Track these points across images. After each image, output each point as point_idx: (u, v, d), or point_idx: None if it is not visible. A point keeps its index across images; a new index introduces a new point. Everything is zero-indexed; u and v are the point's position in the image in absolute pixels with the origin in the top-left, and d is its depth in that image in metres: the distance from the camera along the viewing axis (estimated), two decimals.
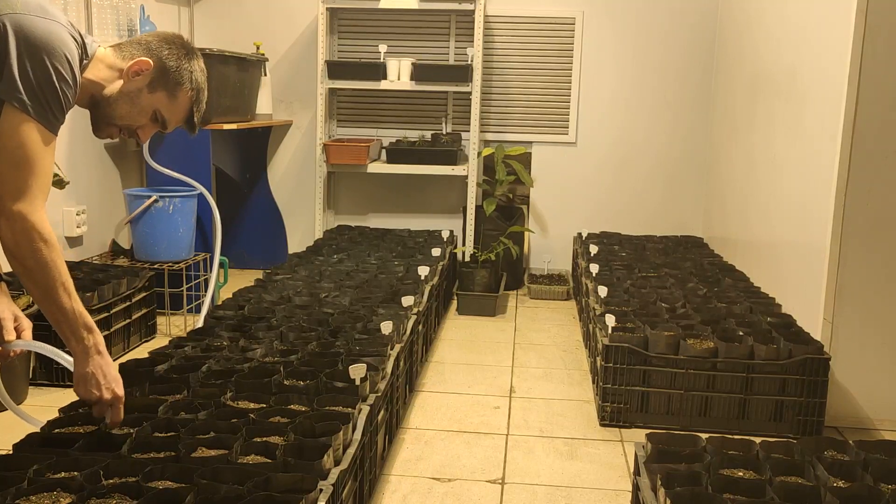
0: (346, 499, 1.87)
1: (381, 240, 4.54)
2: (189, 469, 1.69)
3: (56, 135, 1.72)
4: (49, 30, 1.67)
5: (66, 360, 1.89)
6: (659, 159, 4.99)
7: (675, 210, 5.02)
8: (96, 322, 3.26)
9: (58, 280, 1.72)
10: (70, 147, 3.85)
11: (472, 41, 4.72)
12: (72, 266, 3.55)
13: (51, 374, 3.10)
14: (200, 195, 4.00)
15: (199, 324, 3.11)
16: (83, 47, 1.78)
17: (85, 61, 1.80)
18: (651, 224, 4.99)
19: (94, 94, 1.85)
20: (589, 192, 5.04)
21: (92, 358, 1.80)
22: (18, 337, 1.91)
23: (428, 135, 4.95)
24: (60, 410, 2.04)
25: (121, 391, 1.86)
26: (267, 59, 4.78)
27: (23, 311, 2.78)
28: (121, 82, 1.85)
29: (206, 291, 4.00)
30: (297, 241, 5.12)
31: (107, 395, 1.83)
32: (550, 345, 3.82)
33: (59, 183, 3.04)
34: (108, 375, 1.83)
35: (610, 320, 2.95)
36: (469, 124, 4.81)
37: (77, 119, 3.73)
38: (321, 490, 1.68)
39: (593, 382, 3.22)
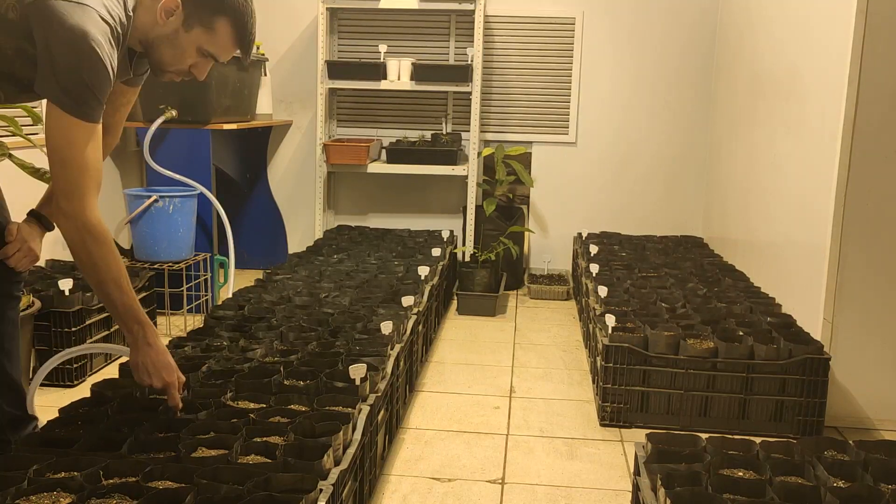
0: (346, 499, 1.87)
1: (381, 240, 4.54)
2: (189, 469, 1.69)
3: (99, 121, 1.73)
4: (76, 20, 1.65)
5: (120, 350, 2.06)
6: (659, 159, 4.99)
7: (674, 210, 5.02)
8: (96, 321, 3.28)
9: (108, 276, 1.80)
10: None
11: (472, 41, 4.72)
12: (71, 266, 3.55)
13: (51, 374, 3.08)
14: (200, 194, 4.00)
15: (230, 294, 3.08)
16: (124, 3, 1.76)
17: (130, 14, 1.78)
18: (651, 224, 4.99)
19: (142, 40, 1.83)
20: (589, 191, 5.04)
21: (141, 349, 1.90)
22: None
23: (428, 135, 4.95)
24: (60, 410, 2.04)
25: (171, 377, 1.94)
26: (267, 59, 4.78)
27: (22, 311, 2.79)
28: (158, 26, 1.82)
29: (208, 290, 4.02)
30: (297, 241, 5.12)
31: (157, 383, 1.93)
32: (550, 345, 3.82)
33: None
34: (157, 364, 1.92)
35: (610, 320, 2.95)
36: (469, 124, 4.81)
37: None
38: (321, 490, 1.68)
39: (593, 382, 3.22)
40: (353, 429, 2.01)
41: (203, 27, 1.83)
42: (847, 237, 2.85)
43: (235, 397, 2.14)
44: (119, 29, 1.75)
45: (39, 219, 2.12)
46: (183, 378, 2.00)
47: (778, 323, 3.04)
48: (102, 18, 1.70)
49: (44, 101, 1.74)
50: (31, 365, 3.06)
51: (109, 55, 1.71)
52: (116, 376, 2.30)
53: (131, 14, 1.80)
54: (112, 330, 3.32)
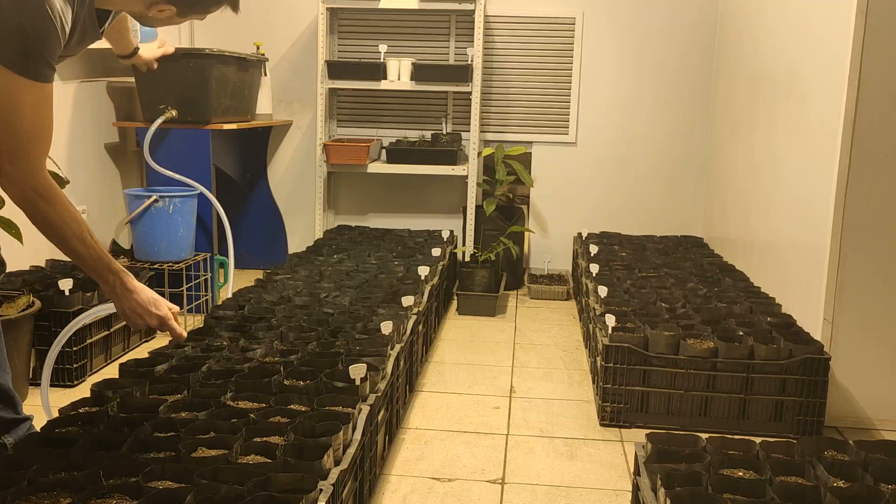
0: (346, 499, 1.87)
1: (381, 240, 4.54)
2: (189, 469, 1.69)
3: (49, 82, 1.66)
4: None
5: (105, 309, 2.08)
6: (659, 159, 4.99)
7: (674, 210, 5.02)
8: (96, 322, 3.28)
9: (68, 233, 1.75)
10: (70, 147, 3.86)
11: (472, 41, 4.72)
12: (71, 266, 3.55)
13: (51, 374, 3.09)
14: (200, 194, 4.00)
15: (230, 294, 3.07)
16: None
17: None
18: (651, 224, 4.99)
19: (131, 11, 1.81)
20: (589, 191, 5.04)
21: (122, 296, 1.87)
22: None
23: (428, 135, 4.95)
24: (60, 410, 2.04)
25: (163, 311, 1.92)
26: (267, 59, 4.78)
27: (21, 310, 2.79)
28: (141, 6, 1.77)
29: (208, 290, 4.02)
30: (297, 241, 5.12)
31: (152, 322, 1.91)
32: (550, 345, 3.82)
33: (60, 182, 3.04)
34: (144, 303, 1.89)
35: (610, 320, 2.95)
36: (469, 124, 4.81)
37: (77, 118, 3.74)
38: (321, 490, 1.68)
39: (593, 382, 3.22)
40: (353, 429, 2.01)
41: (199, 15, 1.84)
42: (847, 237, 2.85)
43: (235, 397, 2.14)
44: None
45: None
46: (175, 307, 1.96)
47: (778, 323, 3.04)
48: None
49: None
50: (32, 365, 3.06)
51: (62, 13, 1.64)
52: (116, 376, 2.30)
53: None
54: (112, 330, 3.32)
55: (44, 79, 1.65)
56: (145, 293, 1.90)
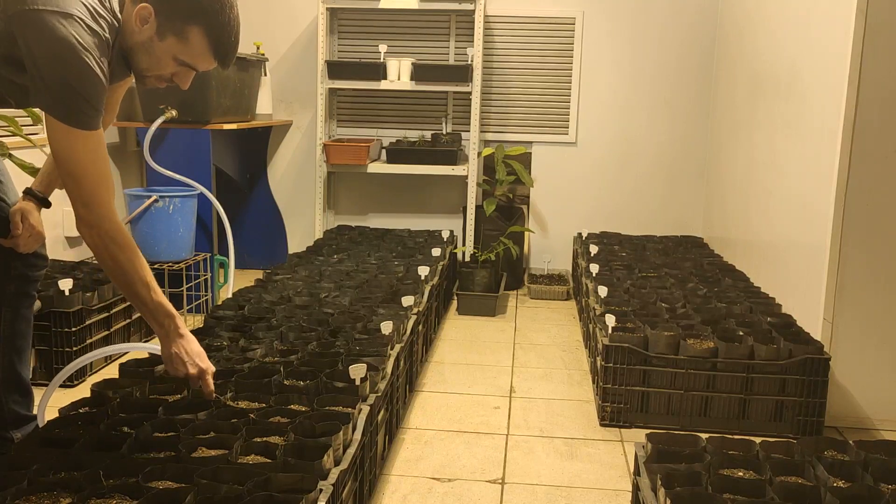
0: (346, 499, 1.87)
1: (381, 240, 4.54)
2: (189, 469, 1.70)
3: (98, 127, 1.71)
4: (63, 33, 1.61)
5: (150, 348, 2.16)
6: (659, 159, 4.99)
7: (675, 210, 5.02)
8: (96, 321, 3.28)
9: (135, 277, 1.82)
10: None
11: (472, 41, 4.72)
12: (71, 266, 3.55)
13: (51, 375, 3.09)
14: (200, 194, 4.00)
15: (230, 294, 3.10)
16: (112, 11, 1.73)
17: (119, 16, 1.75)
18: (651, 224, 5.00)
19: (122, 45, 1.79)
20: (589, 191, 5.04)
21: (174, 340, 1.93)
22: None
23: (428, 135, 4.95)
24: (60, 410, 2.04)
25: (205, 364, 1.98)
26: (267, 59, 4.79)
27: None
28: (135, 33, 1.77)
29: (208, 290, 4.02)
30: (297, 241, 5.12)
31: (192, 371, 1.95)
32: (550, 345, 3.82)
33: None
34: (191, 352, 1.95)
35: (610, 320, 2.95)
36: (469, 124, 4.81)
37: None
38: (321, 490, 1.68)
39: (593, 382, 3.22)
40: (353, 429, 2.01)
41: (176, 36, 1.75)
42: (847, 237, 2.85)
43: (235, 397, 2.14)
44: (109, 35, 1.71)
45: (36, 196, 2.16)
46: (213, 367, 2.02)
47: (778, 323, 3.04)
48: (89, 27, 1.66)
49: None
50: (32, 366, 3.06)
51: (99, 62, 1.67)
52: (116, 376, 2.30)
53: (120, 16, 1.76)
54: (112, 330, 3.32)
55: (95, 126, 1.70)
56: (196, 343, 1.97)
